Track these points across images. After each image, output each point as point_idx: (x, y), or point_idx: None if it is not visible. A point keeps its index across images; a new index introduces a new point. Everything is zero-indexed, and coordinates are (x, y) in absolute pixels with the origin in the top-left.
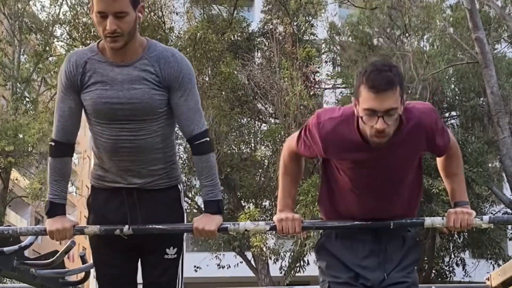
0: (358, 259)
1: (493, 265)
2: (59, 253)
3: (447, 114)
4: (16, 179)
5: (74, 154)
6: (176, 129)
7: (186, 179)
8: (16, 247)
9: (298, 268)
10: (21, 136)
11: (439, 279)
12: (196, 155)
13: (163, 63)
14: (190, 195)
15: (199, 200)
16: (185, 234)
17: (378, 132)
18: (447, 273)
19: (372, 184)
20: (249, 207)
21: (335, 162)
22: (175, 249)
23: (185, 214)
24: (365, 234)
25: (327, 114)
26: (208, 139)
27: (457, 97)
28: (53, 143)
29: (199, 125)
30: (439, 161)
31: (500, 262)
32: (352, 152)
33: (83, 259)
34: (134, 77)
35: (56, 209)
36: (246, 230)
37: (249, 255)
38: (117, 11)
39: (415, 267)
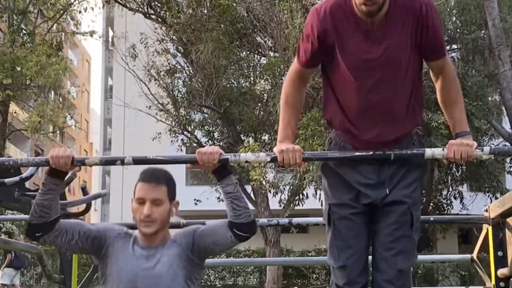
0: (360, 176)
1: (490, 198)
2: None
3: (448, 47)
4: (15, 112)
5: (72, 88)
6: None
7: (185, 113)
8: (17, 178)
9: (297, 201)
10: (18, 69)
11: (437, 212)
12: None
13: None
14: (189, 129)
15: (198, 134)
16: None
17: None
18: (445, 206)
19: (371, 76)
20: (248, 141)
21: (333, 61)
22: None
23: None
24: (368, 149)
25: (323, 3)
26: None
27: (458, 30)
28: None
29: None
30: (438, 89)
31: (498, 195)
32: (348, 32)
33: (84, 191)
34: (159, 256)
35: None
36: (246, 161)
37: (248, 188)
38: (154, 198)
39: (418, 184)
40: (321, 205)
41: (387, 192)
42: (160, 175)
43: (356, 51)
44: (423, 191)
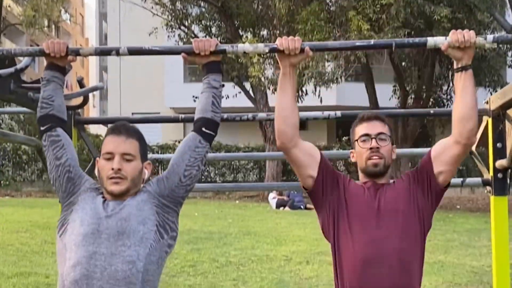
0: None
1: (491, 92)
2: None
3: None
4: (9, 6)
5: None
6: None
7: (181, 7)
8: (11, 69)
9: (296, 98)
10: None
11: (436, 107)
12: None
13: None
14: (186, 23)
15: (196, 29)
16: None
17: (373, 151)
18: (445, 101)
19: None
20: (247, 37)
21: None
22: None
23: None
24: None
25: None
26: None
27: None
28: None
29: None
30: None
31: (498, 89)
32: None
33: (81, 83)
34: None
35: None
36: (244, 52)
37: (247, 85)
38: (125, 152)
39: None
40: (321, 101)
41: None
42: (131, 128)
43: (360, 205)
44: (423, 87)
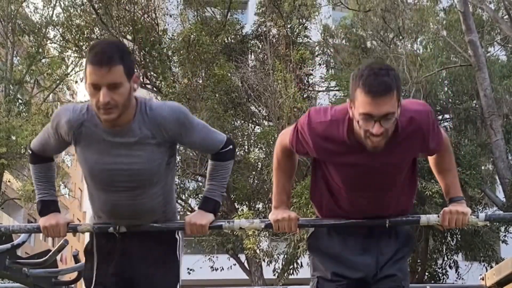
0: (350, 254)
1: (486, 267)
2: (51, 252)
3: (440, 117)
4: (9, 181)
5: (67, 156)
6: None
7: (179, 181)
8: (8, 245)
9: (291, 271)
10: (13, 138)
11: (432, 281)
12: (217, 160)
13: (159, 127)
14: (183, 197)
15: (193, 202)
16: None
17: (375, 137)
18: (440, 275)
19: (364, 185)
20: (242, 210)
21: (326, 164)
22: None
23: (180, 265)
24: (358, 228)
25: (317, 118)
26: (232, 146)
27: (450, 100)
28: (31, 152)
29: (220, 139)
30: (431, 158)
31: (493, 264)
32: (344, 155)
33: (76, 258)
34: (130, 143)
35: (49, 206)
36: (240, 227)
37: (242, 257)
38: (110, 83)
39: (407, 258)
40: None
41: (378, 271)
42: (112, 53)
43: (351, 165)
44: (418, 261)
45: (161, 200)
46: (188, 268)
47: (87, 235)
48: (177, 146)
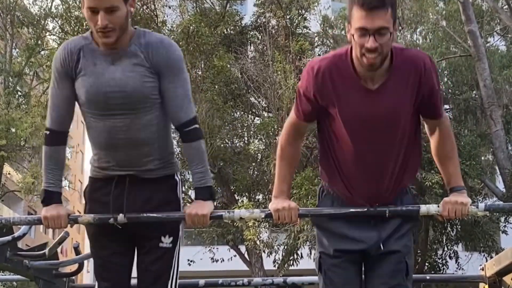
0: (353, 228)
1: (486, 257)
2: (52, 243)
3: None
4: (9, 174)
5: (67, 148)
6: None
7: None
8: (9, 237)
9: (291, 261)
10: (13, 130)
11: (432, 271)
12: (185, 142)
13: (151, 50)
14: (183, 189)
15: (193, 194)
16: (181, 224)
17: (369, 51)
18: (440, 266)
19: (369, 138)
20: (242, 201)
21: (330, 117)
22: (171, 238)
23: (181, 204)
24: (360, 202)
25: (318, 58)
26: (197, 126)
27: (450, 90)
28: (48, 132)
29: (187, 112)
30: (432, 144)
31: (493, 254)
32: (347, 90)
33: (76, 250)
34: (125, 65)
35: (52, 197)
36: (241, 217)
37: (242, 248)
38: (108, 7)
39: (411, 234)
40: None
41: (381, 245)
42: None
43: (355, 109)
44: (418, 251)
45: (155, 130)
46: (188, 260)
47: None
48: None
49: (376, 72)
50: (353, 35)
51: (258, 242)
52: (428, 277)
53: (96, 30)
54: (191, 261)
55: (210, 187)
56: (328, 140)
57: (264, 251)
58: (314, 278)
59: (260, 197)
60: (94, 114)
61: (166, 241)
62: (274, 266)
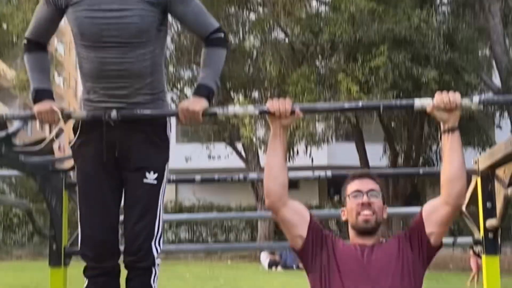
0: None
1: (480, 152)
2: (48, 139)
3: (438, 1)
4: (3, 70)
5: (60, 45)
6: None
7: (174, 70)
8: (3, 133)
9: (288, 158)
10: (5, 26)
11: (426, 166)
12: (209, 46)
13: None
14: (178, 87)
15: (188, 92)
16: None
17: (365, 207)
18: (434, 161)
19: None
20: (238, 98)
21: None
22: (155, 175)
23: (169, 143)
24: None
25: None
26: (223, 35)
27: None
28: (26, 41)
29: (212, 22)
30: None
31: (488, 149)
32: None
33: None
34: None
35: (43, 94)
36: (235, 114)
37: (239, 146)
38: None
39: None
40: (312, 161)
41: None
42: None
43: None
44: (413, 147)
45: (148, 65)
46: (185, 157)
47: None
48: (169, 20)
49: (371, 237)
50: (350, 200)
51: (254, 140)
52: (421, 171)
53: None
54: (188, 159)
55: (211, 89)
56: None
57: (260, 148)
58: (309, 174)
59: (256, 94)
60: (86, 46)
61: (151, 177)
62: None
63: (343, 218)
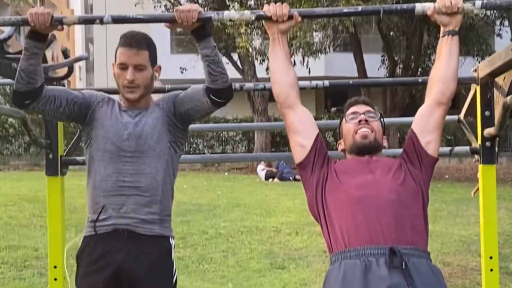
0: None
1: (479, 61)
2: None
3: None
4: None
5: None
6: None
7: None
8: None
9: None
10: None
11: (425, 76)
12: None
13: (161, 102)
14: None
15: None
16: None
17: (362, 124)
18: None
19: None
20: (233, 6)
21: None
22: None
23: (174, 268)
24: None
25: None
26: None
27: None
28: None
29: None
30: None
31: (487, 58)
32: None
33: (65, 54)
34: (144, 118)
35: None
36: (230, 19)
37: (235, 56)
38: (137, 64)
39: None
40: (309, 72)
41: None
42: (141, 39)
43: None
44: (412, 56)
45: (160, 180)
46: (181, 67)
47: (78, 43)
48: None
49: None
50: (346, 125)
51: (250, 50)
52: (420, 80)
53: (123, 85)
54: (183, 69)
55: (211, 31)
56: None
57: (256, 59)
58: (306, 83)
59: (252, 2)
60: (104, 158)
61: None
62: (267, 73)
63: (340, 148)
